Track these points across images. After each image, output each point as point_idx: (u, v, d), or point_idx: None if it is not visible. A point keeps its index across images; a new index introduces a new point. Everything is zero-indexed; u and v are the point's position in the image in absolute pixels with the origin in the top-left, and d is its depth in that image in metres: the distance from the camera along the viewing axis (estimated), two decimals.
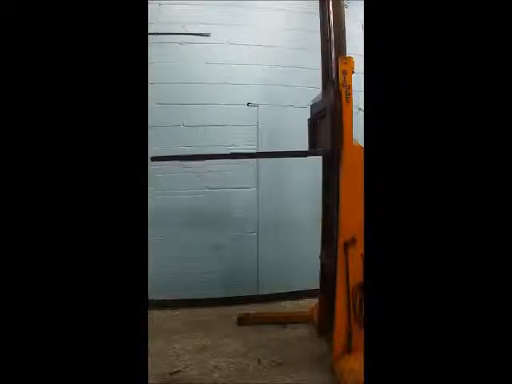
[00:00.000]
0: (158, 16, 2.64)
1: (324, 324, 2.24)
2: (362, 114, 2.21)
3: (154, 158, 2.01)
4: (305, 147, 2.81)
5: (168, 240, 2.75)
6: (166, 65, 2.64)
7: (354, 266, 1.84)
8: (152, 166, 2.53)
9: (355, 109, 1.89)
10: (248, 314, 2.58)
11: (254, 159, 2.82)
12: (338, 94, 1.85)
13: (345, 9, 1.93)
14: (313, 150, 2.32)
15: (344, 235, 1.86)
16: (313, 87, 2.56)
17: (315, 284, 2.42)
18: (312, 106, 2.34)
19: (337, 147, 1.87)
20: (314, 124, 2.34)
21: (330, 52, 2.14)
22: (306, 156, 2.28)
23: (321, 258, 2.31)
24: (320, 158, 2.31)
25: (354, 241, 1.84)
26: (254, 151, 2.84)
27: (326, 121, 2.00)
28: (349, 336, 1.86)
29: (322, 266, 2.30)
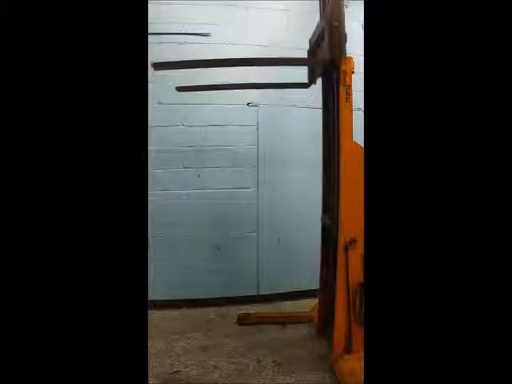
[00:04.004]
0: (158, 16, 2.64)
1: (324, 324, 2.24)
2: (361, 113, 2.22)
3: (155, 64, 1.87)
4: (305, 147, 2.84)
5: (168, 239, 2.76)
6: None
7: (353, 266, 1.85)
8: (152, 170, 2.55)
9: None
10: (248, 313, 2.58)
11: (255, 165, 2.86)
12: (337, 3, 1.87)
13: (345, 9, 1.92)
14: (312, 59, 2.29)
15: (344, 235, 1.86)
16: (313, 87, 2.56)
17: (315, 284, 2.42)
18: (310, 40, 2.31)
19: (335, 56, 1.87)
20: (312, 55, 2.32)
21: None
22: (305, 65, 2.26)
23: (322, 220, 2.32)
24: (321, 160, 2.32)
25: (354, 241, 1.84)
26: (254, 151, 2.85)
27: (324, 44, 1.99)
28: (349, 336, 1.87)
29: (323, 226, 2.30)
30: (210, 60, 2.19)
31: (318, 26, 2.17)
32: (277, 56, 2.81)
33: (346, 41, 1.89)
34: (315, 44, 2.23)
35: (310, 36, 2.30)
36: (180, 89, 2.40)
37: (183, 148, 2.77)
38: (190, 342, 2.28)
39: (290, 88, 2.58)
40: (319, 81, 2.27)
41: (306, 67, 2.37)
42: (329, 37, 1.90)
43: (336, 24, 1.86)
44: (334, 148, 1.97)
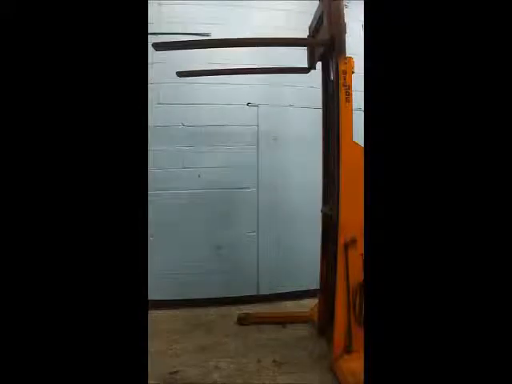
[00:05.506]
0: (158, 16, 2.64)
1: (324, 324, 2.24)
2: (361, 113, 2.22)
3: (156, 44, 1.86)
4: (305, 148, 2.84)
5: (168, 239, 2.76)
6: (165, 65, 2.64)
7: (353, 266, 1.85)
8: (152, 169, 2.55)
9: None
10: (248, 313, 2.58)
11: (255, 165, 2.86)
12: None
13: (345, 9, 1.93)
14: (312, 39, 2.30)
15: (344, 235, 1.86)
16: (313, 87, 2.56)
17: (315, 284, 2.42)
18: (310, 26, 2.33)
19: (334, 34, 1.88)
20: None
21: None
22: (305, 46, 2.27)
23: (322, 211, 2.32)
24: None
25: (354, 241, 1.84)
26: (254, 151, 2.85)
27: (323, 26, 2.00)
28: (349, 336, 1.87)
29: (324, 216, 2.31)
30: (210, 40, 2.16)
31: (317, 11, 2.18)
32: (276, 56, 2.82)
33: (345, 30, 1.89)
34: (315, 29, 2.24)
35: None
36: (181, 74, 2.40)
37: (183, 148, 2.77)
38: (190, 342, 2.28)
39: (290, 73, 2.59)
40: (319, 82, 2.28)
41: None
42: (328, 15, 1.89)
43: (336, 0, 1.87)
44: (334, 148, 1.96)
